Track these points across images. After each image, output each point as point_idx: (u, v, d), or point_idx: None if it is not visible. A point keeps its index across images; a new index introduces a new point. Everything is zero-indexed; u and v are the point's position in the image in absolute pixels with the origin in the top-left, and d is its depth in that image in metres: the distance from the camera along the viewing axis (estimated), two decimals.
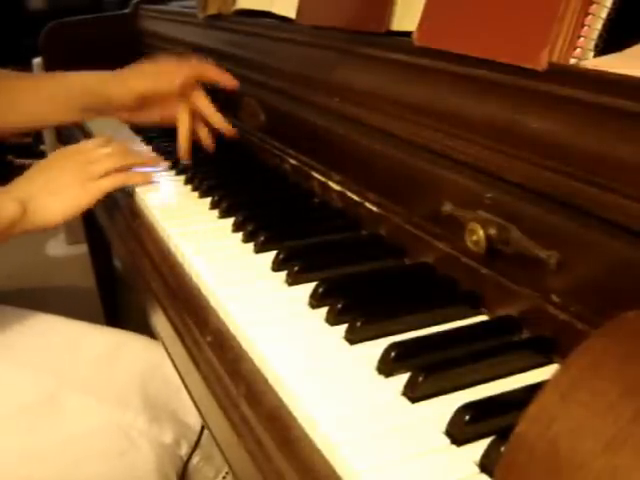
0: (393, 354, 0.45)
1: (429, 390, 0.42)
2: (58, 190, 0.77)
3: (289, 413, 0.43)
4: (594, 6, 0.45)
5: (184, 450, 0.75)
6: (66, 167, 0.80)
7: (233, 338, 0.52)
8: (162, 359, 0.75)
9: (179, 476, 0.75)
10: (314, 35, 0.78)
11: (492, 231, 0.49)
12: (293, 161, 0.81)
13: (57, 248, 2.19)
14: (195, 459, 0.76)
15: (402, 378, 0.43)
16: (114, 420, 0.72)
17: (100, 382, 0.74)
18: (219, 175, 0.85)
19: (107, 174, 0.79)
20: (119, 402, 0.73)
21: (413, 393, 0.42)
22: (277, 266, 0.60)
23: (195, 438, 0.76)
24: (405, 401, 0.42)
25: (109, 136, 0.86)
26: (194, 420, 0.75)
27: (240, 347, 0.51)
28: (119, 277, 1.62)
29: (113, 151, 0.82)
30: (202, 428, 0.76)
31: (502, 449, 0.34)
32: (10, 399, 0.70)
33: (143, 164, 0.87)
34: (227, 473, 0.77)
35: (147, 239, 0.73)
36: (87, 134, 1.14)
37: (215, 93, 1.08)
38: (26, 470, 0.67)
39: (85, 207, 0.78)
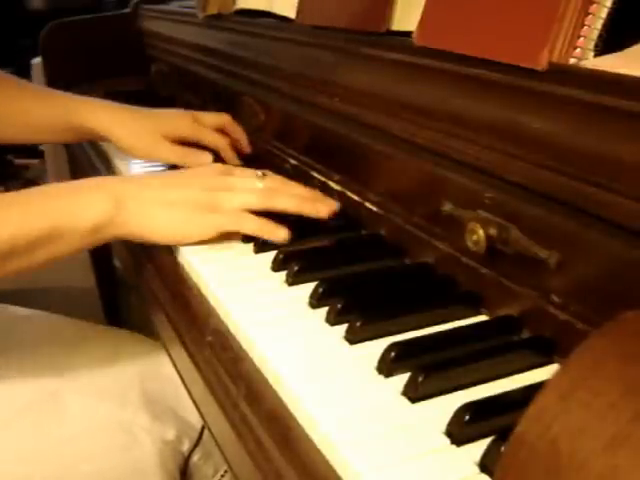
0: (393, 354, 0.45)
1: (429, 390, 0.42)
2: (171, 203, 0.61)
3: (289, 413, 0.43)
4: (594, 6, 0.45)
5: (186, 446, 0.75)
6: (193, 183, 0.64)
7: (233, 338, 0.52)
8: (162, 359, 0.75)
9: (181, 472, 0.75)
10: (314, 35, 0.78)
11: (492, 231, 0.49)
12: (293, 161, 0.81)
13: None
14: (195, 456, 0.76)
15: (402, 378, 0.43)
16: (115, 417, 0.72)
17: (100, 381, 0.74)
18: None
19: (241, 211, 0.63)
20: (120, 400, 0.73)
21: (413, 393, 0.42)
22: (277, 266, 0.60)
23: (196, 435, 0.76)
24: (405, 401, 0.42)
25: (267, 171, 0.69)
26: (195, 418, 0.75)
27: (240, 347, 0.51)
28: (119, 277, 1.62)
29: (265, 187, 0.65)
30: (203, 426, 0.76)
31: (502, 449, 0.34)
32: (10, 397, 0.70)
33: (300, 210, 0.64)
34: (226, 471, 0.78)
35: None
36: None
37: (214, 94, 1.08)
38: (27, 469, 0.67)
39: (193, 239, 0.62)
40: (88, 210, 0.58)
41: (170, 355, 0.60)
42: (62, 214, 0.58)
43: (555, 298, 0.46)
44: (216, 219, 0.62)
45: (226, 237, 0.65)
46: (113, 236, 0.61)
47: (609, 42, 0.46)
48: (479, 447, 0.37)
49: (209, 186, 0.64)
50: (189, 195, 0.62)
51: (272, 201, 0.64)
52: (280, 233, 0.62)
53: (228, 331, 0.53)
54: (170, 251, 0.67)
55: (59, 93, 0.93)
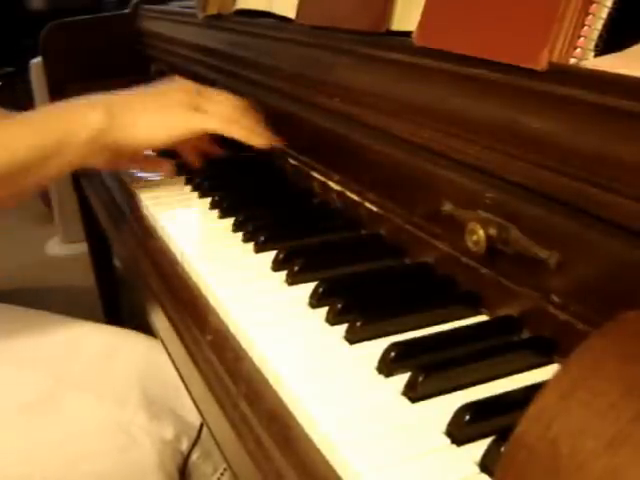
0: (393, 354, 0.45)
1: (429, 390, 0.42)
2: (156, 108, 0.70)
3: (289, 413, 0.43)
4: (594, 6, 0.45)
5: (184, 445, 0.75)
6: (173, 92, 0.73)
7: (233, 338, 0.52)
8: (161, 357, 0.75)
9: (180, 471, 0.75)
10: (314, 35, 0.78)
11: (492, 231, 0.49)
12: (293, 161, 0.81)
13: (57, 248, 2.19)
14: (194, 455, 0.76)
15: (402, 378, 0.43)
16: (114, 417, 0.72)
17: (99, 380, 0.74)
18: (219, 175, 0.85)
19: (216, 115, 0.73)
20: (118, 400, 0.73)
21: (413, 393, 0.42)
22: (277, 266, 0.60)
23: (195, 434, 0.76)
24: (405, 401, 0.42)
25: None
26: (194, 417, 0.75)
27: (240, 347, 0.51)
28: (119, 277, 1.62)
29: (232, 100, 0.77)
30: (202, 425, 0.76)
31: (502, 449, 0.34)
32: (10, 398, 0.70)
33: (251, 129, 0.76)
34: (225, 470, 0.78)
35: (146, 238, 0.73)
36: None
37: None
38: (26, 469, 0.67)
39: (183, 135, 0.72)
40: (86, 121, 0.68)
41: (170, 354, 0.60)
42: (66, 127, 0.68)
43: (555, 298, 0.46)
44: (197, 118, 0.72)
45: (227, 236, 0.65)
46: (111, 141, 0.69)
47: (609, 42, 0.46)
48: (479, 447, 0.37)
49: (188, 94, 0.74)
50: (169, 101, 0.72)
51: (230, 129, 0.74)
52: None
53: (228, 331, 0.53)
54: (170, 251, 0.67)
55: None
